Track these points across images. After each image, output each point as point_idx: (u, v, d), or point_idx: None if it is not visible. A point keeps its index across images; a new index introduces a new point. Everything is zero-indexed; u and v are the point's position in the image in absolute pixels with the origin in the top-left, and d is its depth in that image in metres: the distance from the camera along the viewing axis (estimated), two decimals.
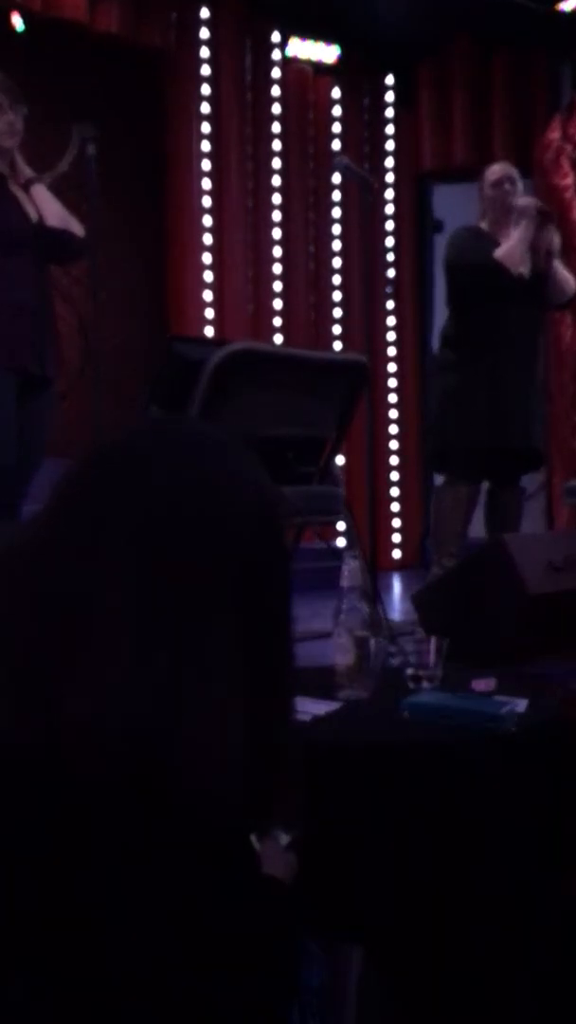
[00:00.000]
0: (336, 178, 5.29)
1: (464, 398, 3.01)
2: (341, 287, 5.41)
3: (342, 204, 5.39)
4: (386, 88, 5.56)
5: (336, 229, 5.40)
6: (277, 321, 5.16)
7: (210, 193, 4.94)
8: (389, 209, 5.55)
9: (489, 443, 3.04)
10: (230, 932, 0.65)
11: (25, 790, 0.58)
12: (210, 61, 4.92)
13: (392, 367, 5.54)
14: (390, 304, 5.51)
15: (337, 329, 5.40)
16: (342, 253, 5.41)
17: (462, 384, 3.03)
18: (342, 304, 5.41)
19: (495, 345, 3.05)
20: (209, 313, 4.91)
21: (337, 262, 5.41)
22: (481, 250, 3.05)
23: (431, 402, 3.22)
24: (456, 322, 3.17)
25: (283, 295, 5.18)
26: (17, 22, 4.24)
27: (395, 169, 5.57)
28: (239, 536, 0.66)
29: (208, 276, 4.92)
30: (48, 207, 2.58)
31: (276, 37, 5.11)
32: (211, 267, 4.93)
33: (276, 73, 5.14)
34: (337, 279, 5.41)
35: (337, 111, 5.41)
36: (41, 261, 2.59)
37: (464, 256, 3.08)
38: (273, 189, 5.15)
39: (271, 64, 5.12)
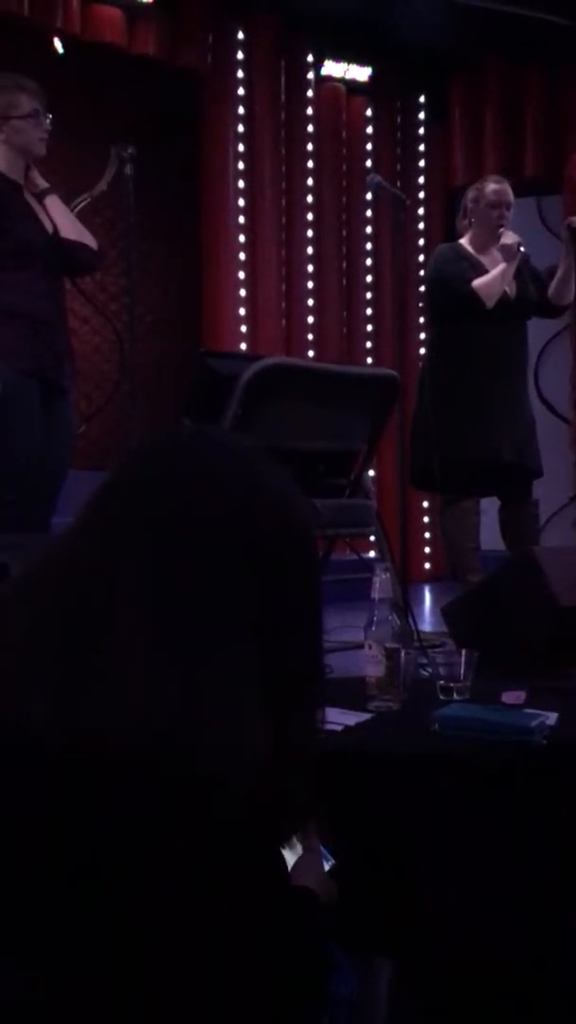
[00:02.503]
0: (368, 195, 5.32)
1: (446, 414, 2.98)
2: (373, 302, 5.43)
3: (374, 221, 5.42)
4: (419, 106, 5.59)
5: (368, 245, 5.44)
6: (309, 336, 5.19)
7: (244, 211, 5.00)
8: (421, 225, 5.57)
9: (472, 457, 3.02)
10: (256, 940, 0.64)
11: (49, 793, 0.59)
12: (245, 82, 4.99)
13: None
14: (421, 319, 5.52)
15: (368, 344, 5.42)
16: (374, 269, 5.44)
17: (443, 400, 3.02)
18: (373, 319, 5.43)
19: (476, 360, 3.05)
20: (243, 328, 4.96)
21: (369, 278, 5.44)
22: (460, 275, 3.04)
23: (413, 419, 3.14)
24: (437, 338, 3.19)
25: (315, 310, 5.22)
26: (58, 45, 4.34)
27: (427, 186, 5.60)
28: (259, 542, 0.66)
29: (242, 292, 4.98)
30: (62, 219, 2.60)
31: (310, 57, 5.18)
32: (245, 283, 4.99)
33: (310, 93, 5.20)
34: (369, 295, 5.44)
35: (370, 129, 5.46)
36: (55, 273, 2.61)
37: (443, 277, 3.08)
38: (307, 206, 5.20)
39: (305, 84, 5.18)
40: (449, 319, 3.11)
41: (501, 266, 3.03)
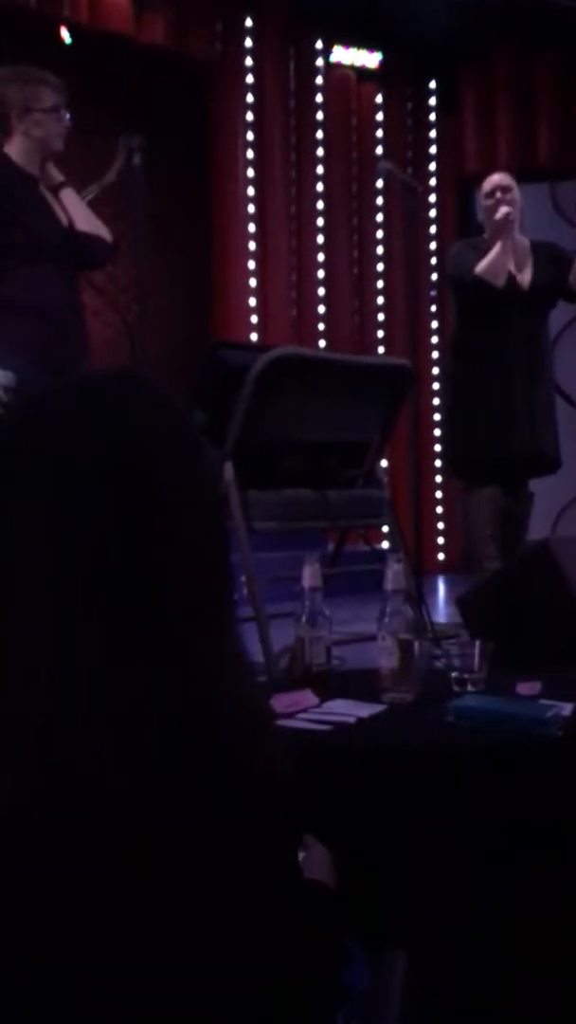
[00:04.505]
0: (379, 183, 5.29)
1: (467, 406, 3.07)
2: (384, 292, 5.40)
3: (385, 209, 5.38)
4: (429, 92, 5.55)
5: (379, 234, 5.40)
6: (320, 326, 5.17)
7: (254, 200, 4.98)
8: (432, 213, 5.53)
9: (492, 450, 3.08)
10: (270, 933, 0.64)
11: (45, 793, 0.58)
12: (254, 70, 4.96)
13: (435, 370, 5.51)
14: (433, 308, 5.49)
15: (380, 333, 5.40)
16: (385, 258, 5.41)
17: (464, 392, 3.09)
18: (385, 308, 5.40)
19: (494, 354, 3.09)
20: (253, 319, 4.95)
21: (380, 267, 5.41)
22: (466, 265, 3.10)
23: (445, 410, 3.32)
24: (458, 331, 3.24)
25: (326, 300, 5.19)
26: (65, 35, 4.33)
27: (438, 173, 5.55)
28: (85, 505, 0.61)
29: (252, 282, 4.96)
30: (78, 212, 2.59)
31: (319, 44, 5.14)
32: (255, 273, 4.97)
33: (319, 80, 5.17)
34: (380, 284, 5.41)
35: (380, 116, 5.42)
36: (71, 266, 2.61)
37: (454, 270, 3.15)
38: (317, 195, 5.17)
39: (315, 71, 5.15)
40: (469, 312, 3.16)
41: (497, 245, 3.06)
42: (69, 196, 2.60)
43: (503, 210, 3.08)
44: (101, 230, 2.64)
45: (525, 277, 3.13)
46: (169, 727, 0.60)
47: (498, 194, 3.13)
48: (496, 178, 3.20)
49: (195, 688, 0.62)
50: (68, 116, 2.58)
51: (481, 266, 3.05)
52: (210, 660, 0.64)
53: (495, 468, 3.13)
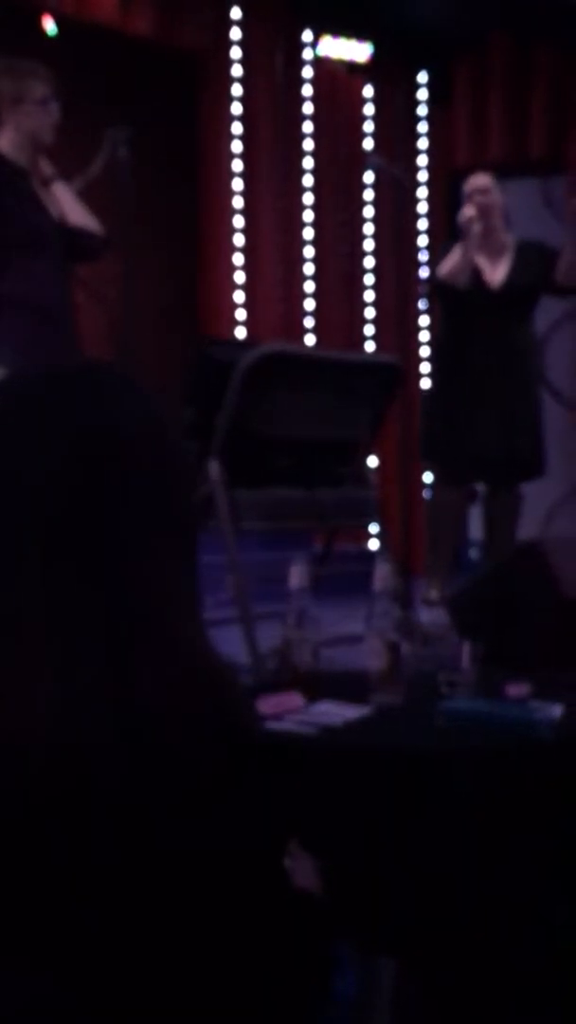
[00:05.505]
0: (369, 177, 5.26)
1: (437, 406, 3.12)
2: (374, 287, 5.38)
3: (375, 203, 5.36)
4: (419, 86, 5.52)
5: (369, 228, 5.38)
6: (309, 322, 5.15)
7: (242, 194, 4.94)
8: (422, 207, 5.51)
9: (452, 451, 3.12)
10: (258, 939, 0.64)
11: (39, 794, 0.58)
12: (242, 62, 4.92)
13: (425, 367, 5.50)
14: (423, 304, 5.47)
15: (370, 330, 5.38)
16: (375, 253, 5.39)
17: (436, 392, 3.16)
18: (375, 304, 5.38)
19: (461, 354, 3.15)
20: (240, 314, 4.92)
21: (370, 262, 5.39)
22: (435, 267, 3.18)
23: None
24: (438, 330, 3.36)
25: (315, 296, 5.17)
26: (49, 25, 4.28)
27: (428, 167, 5.53)
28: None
29: (240, 277, 4.93)
30: (69, 206, 2.58)
31: (308, 36, 5.10)
32: (243, 268, 4.94)
33: (308, 73, 5.13)
34: (370, 279, 5.39)
35: (370, 110, 5.39)
36: (63, 261, 2.59)
37: (429, 270, 3.26)
38: (305, 189, 5.14)
39: (303, 64, 5.11)
40: (442, 312, 3.25)
41: (458, 246, 3.11)
42: (60, 190, 2.59)
43: (465, 211, 3.11)
44: (92, 224, 2.62)
45: (496, 277, 3.14)
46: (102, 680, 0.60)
47: (476, 197, 3.15)
48: (474, 180, 3.23)
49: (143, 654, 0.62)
50: (58, 108, 2.56)
51: (444, 267, 3.09)
52: (164, 629, 0.63)
53: (455, 469, 3.16)
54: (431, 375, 3.25)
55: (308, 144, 5.13)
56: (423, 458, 3.35)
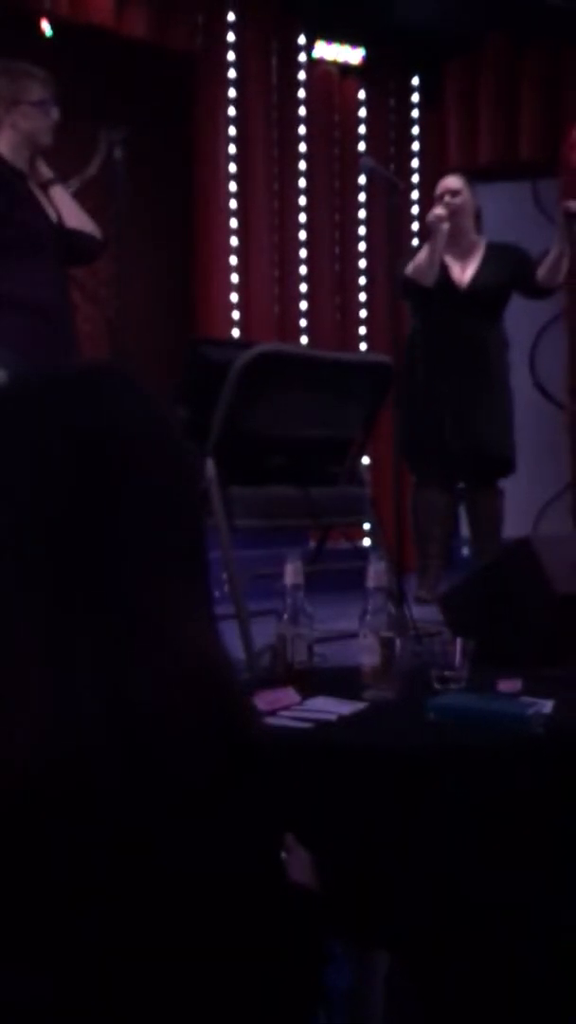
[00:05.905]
0: (362, 179, 5.28)
1: (408, 402, 3.11)
2: (367, 288, 5.39)
3: (368, 205, 5.37)
4: (412, 89, 5.54)
5: (362, 230, 5.39)
6: (303, 322, 5.16)
7: (236, 195, 4.95)
8: (415, 210, 5.53)
9: (430, 449, 3.13)
10: (254, 934, 0.64)
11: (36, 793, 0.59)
12: (236, 64, 4.93)
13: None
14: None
15: (363, 330, 5.39)
16: (368, 254, 5.40)
17: (406, 389, 3.14)
18: (368, 305, 5.39)
19: (426, 352, 3.17)
20: (235, 315, 4.92)
21: (363, 263, 5.40)
22: (404, 265, 3.19)
23: None
24: (408, 331, 3.33)
25: (309, 296, 5.18)
26: (45, 27, 4.28)
27: (421, 169, 5.55)
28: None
29: (234, 278, 4.94)
30: (67, 208, 2.59)
31: (302, 39, 5.12)
32: (237, 269, 4.94)
33: (302, 75, 5.15)
34: (363, 280, 5.40)
35: (363, 112, 5.40)
36: (61, 262, 2.60)
37: (400, 269, 3.23)
38: (299, 191, 5.15)
39: (297, 66, 5.13)
40: (412, 310, 3.27)
41: (426, 245, 3.14)
42: (58, 192, 2.60)
43: (435, 211, 3.14)
44: (89, 226, 2.63)
45: (465, 277, 3.17)
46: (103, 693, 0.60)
47: (447, 197, 3.18)
48: (445, 181, 3.27)
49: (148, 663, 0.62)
50: (56, 111, 2.57)
51: (410, 266, 3.13)
52: (169, 637, 0.63)
53: (430, 468, 3.19)
54: (401, 373, 3.27)
55: (302, 146, 5.15)
56: (402, 458, 3.36)
